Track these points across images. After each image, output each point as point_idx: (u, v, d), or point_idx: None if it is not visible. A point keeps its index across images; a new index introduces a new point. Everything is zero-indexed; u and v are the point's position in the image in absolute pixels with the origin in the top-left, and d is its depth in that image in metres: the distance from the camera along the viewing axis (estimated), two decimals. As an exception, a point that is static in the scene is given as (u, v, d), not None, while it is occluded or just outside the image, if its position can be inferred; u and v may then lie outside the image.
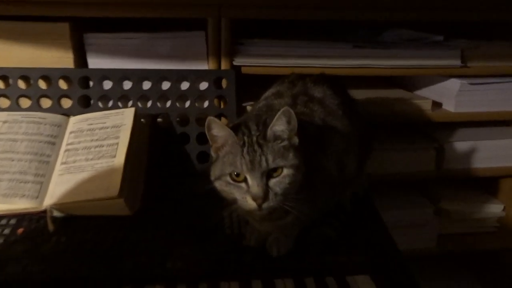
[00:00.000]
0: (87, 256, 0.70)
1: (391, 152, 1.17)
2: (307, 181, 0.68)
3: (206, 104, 0.97)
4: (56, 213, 0.77)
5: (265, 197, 0.64)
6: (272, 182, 0.65)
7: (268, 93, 0.84)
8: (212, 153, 0.70)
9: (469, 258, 1.49)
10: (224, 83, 0.97)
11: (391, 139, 1.19)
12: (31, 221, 0.76)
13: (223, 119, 0.98)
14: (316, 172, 0.71)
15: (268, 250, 0.71)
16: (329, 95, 0.81)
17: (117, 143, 0.81)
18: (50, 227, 0.74)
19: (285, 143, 0.66)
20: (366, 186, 0.93)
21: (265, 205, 0.64)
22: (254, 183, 0.64)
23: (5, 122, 0.85)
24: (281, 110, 0.65)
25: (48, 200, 0.77)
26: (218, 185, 0.68)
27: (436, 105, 1.19)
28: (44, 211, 0.76)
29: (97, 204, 0.75)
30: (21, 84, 0.93)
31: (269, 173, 0.65)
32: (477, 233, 1.33)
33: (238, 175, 0.65)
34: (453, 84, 1.14)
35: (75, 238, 0.73)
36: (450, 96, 1.15)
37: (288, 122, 0.66)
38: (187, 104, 0.96)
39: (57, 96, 0.92)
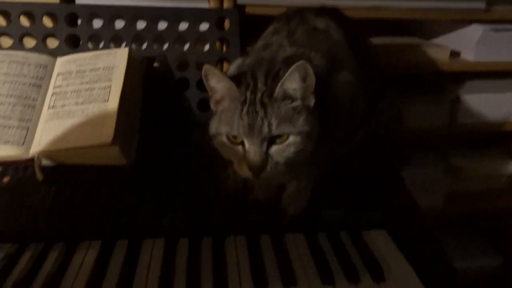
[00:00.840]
0: (79, 208, 0.64)
1: (404, 103, 1.10)
2: (321, 123, 0.60)
3: (207, 47, 0.89)
4: (44, 162, 0.70)
5: (263, 166, 0.55)
6: (274, 149, 0.56)
7: (266, 32, 0.76)
8: (212, 106, 0.61)
9: (479, 216, 1.46)
10: (226, 24, 0.88)
11: (403, 91, 1.11)
12: (18, 169, 0.69)
13: (225, 64, 0.90)
14: (328, 108, 0.63)
15: (283, 207, 0.65)
16: (333, 27, 0.71)
17: (110, 86, 0.73)
18: (39, 176, 0.68)
19: (297, 103, 0.56)
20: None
21: (262, 175, 0.56)
22: (251, 149, 0.55)
23: (-16, 62, 0.76)
24: (295, 65, 0.54)
25: (35, 148, 0.70)
26: (215, 143, 0.60)
27: (454, 54, 1.10)
28: (32, 159, 0.69)
29: (89, 152, 0.68)
30: (1, 21, 0.83)
31: (271, 139, 0.55)
32: (488, 191, 1.28)
33: (235, 137, 0.57)
34: (475, 30, 1.05)
35: (66, 189, 0.67)
36: (470, 44, 1.07)
37: (303, 79, 0.55)
38: (186, 47, 0.88)
39: (41, 35, 0.83)
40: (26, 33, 0.83)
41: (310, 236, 0.62)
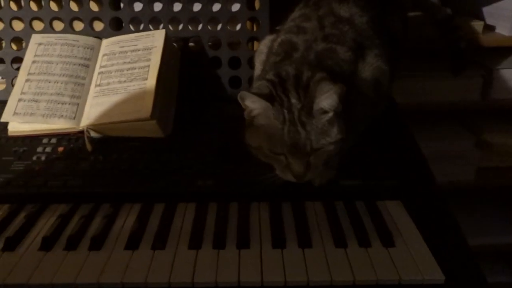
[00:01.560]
0: (123, 174, 0.72)
1: (434, 78, 1.10)
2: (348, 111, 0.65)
3: (238, 27, 0.94)
4: (93, 134, 0.79)
5: (306, 172, 0.63)
6: (313, 157, 0.63)
7: (294, 14, 0.79)
8: (246, 116, 0.67)
9: (509, 193, 1.44)
10: (257, 4, 0.93)
11: (435, 64, 1.12)
12: (70, 141, 0.79)
13: (255, 43, 0.95)
14: (354, 98, 0.68)
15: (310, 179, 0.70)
16: (357, 13, 0.75)
17: (148, 66, 0.81)
18: (88, 146, 0.77)
19: (330, 115, 0.62)
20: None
21: (305, 178, 0.64)
22: (295, 163, 0.62)
23: (40, 44, 0.85)
24: (332, 88, 0.59)
25: (85, 121, 0.79)
26: (255, 152, 0.67)
27: (488, 28, 1.09)
28: (82, 132, 0.78)
29: (130, 126, 0.77)
30: (53, 6, 0.92)
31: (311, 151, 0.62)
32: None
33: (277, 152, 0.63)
34: (509, 3, 1.03)
35: (112, 158, 0.75)
36: (506, 17, 1.05)
37: (339, 100, 0.60)
38: (219, 27, 0.93)
39: (88, 19, 0.91)
40: (75, 17, 0.92)
41: (328, 204, 0.68)
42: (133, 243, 0.60)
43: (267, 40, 0.83)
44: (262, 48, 0.83)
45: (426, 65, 1.10)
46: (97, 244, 0.60)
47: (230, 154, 0.76)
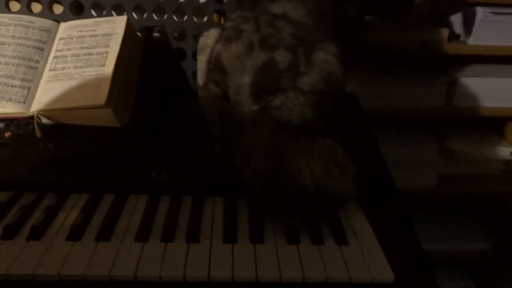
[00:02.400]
0: (73, 163, 0.69)
1: (399, 84, 1.11)
2: None
3: (205, 19, 0.92)
4: (44, 120, 0.75)
5: None
6: None
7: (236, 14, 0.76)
8: None
9: (472, 200, 1.47)
10: (224, -4, 0.91)
11: (400, 71, 1.13)
12: (19, 126, 0.75)
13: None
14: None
15: None
16: (291, 7, 0.72)
17: (107, 52, 0.78)
18: (38, 133, 0.73)
19: None
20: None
21: None
22: None
23: (-8, 24, 0.81)
24: None
25: (36, 106, 0.75)
26: None
27: (454, 37, 1.11)
28: (32, 117, 0.74)
29: (84, 113, 0.73)
30: (11, -14, 0.88)
31: None
32: (482, 175, 1.30)
33: None
34: (474, 13, 1.05)
35: (63, 146, 0.72)
36: (470, 26, 1.07)
37: None
38: (185, 18, 0.91)
39: (47, 1, 0.87)
40: (33, -2, 0.88)
41: (284, 201, 0.66)
42: (75, 234, 0.57)
43: (212, 35, 0.77)
44: (207, 42, 0.77)
45: (391, 71, 1.11)
46: (36, 234, 0.56)
47: (187, 147, 0.73)
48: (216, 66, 0.68)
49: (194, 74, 0.90)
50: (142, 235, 0.57)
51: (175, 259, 0.54)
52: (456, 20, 1.11)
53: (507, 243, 1.35)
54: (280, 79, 0.64)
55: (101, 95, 0.72)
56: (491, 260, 1.39)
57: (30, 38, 0.81)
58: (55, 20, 0.86)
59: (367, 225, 0.63)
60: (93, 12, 0.90)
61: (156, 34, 0.92)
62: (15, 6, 0.88)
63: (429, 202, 1.41)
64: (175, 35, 0.92)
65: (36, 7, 0.89)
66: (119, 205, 0.63)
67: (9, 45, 0.79)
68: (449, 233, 1.38)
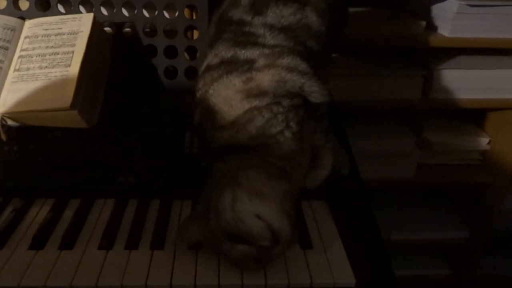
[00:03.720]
0: (39, 167, 0.68)
1: (376, 77, 1.11)
2: None
3: (176, 14, 0.90)
4: (10, 122, 0.74)
5: None
6: None
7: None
8: None
9: (450, 190, 1.49)
10: (196, -9, 0.89)
11: (377, 64, 1.12)
12: (-16, 129, 0.73)
13: (195, 32, 0.92)
14: None
15: None
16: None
17: (73, 52, 0.76)
18: (3, 136, 0.71)
19: None
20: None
21: None
22: None
23: (-47, 22, 0.78)
24: None
25: (0, 108, 0.73)
26: None
27: (431, 28, 1.10)
28: (-3, 120, 0.73)
29: (50, 115, 0.72)
30: (-27, -19, 0.85)
31: None
32: (460, 165, 1.31)
33: None
34: (451, 5, 1.05)
35: (29, 149, 0.70)
36: (447, 18, 1.06)
37: None
38: (156, 13, 0.89)
39: (12, -3, 0.85)
40: (-3, -6, 0.85)
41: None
42: (38, 243, 0.56)
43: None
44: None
45: (368, 63, 1.10)
46: (-2, 243, 0.56)
47: (156, 148, 0.73)
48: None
49: (165, 71, 0.89)
50: (106, 243, 0.57)
51: (138, 267, 0.54)
52: (433, 12, 1.10)
53: (483, 231, 1.38)
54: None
55: (67, 97, 0.71)
56: (468, 248, 1.42)
57: (-6, 37, 0.78)
58: (20, 17, 0.84)
59: (333, 227, 0.63)
60: (61, 8, 0.87)
61: (127, 29, 0.90)
62: (-23, 3, 0.85)
63: (408, 192, 1.43)
64: (147, 30, 0.90)
65: (1, 3, 0.86)
66: (84, 211, 0.63)
67: (-29, 45, 0.77)
68: (427, 222, 1.41)
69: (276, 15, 0.69)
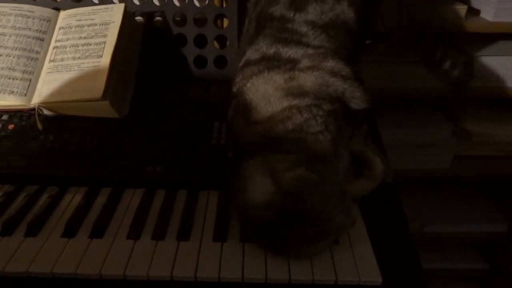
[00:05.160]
0: (72, 155, 0.70)
1: (413, 65, 1.06)
2: None
3: (206, 2, 0.89)
4: (46, 112, 0.77)
5: None
6: None
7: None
8: None
9: (488, 182, 1.43)
10: (226, -21, 0.88)
11: (414, 51, 1.07)
12: (22, 118, 0.76)
13: (225, 20, 0.91)
14: None
15: None
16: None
17: (104, 42, 0.77)
18: (39, 125, 0.74)
19: None
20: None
21: None
22: None
23: (-7, 14, 0.81)
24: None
25: (36, 98, 0.76)
26: None
27: (473, 12, 1.04)
28: (33, 109, 0.75)
29: (83, 105, 0.74)
30: (11, -27, 0.87)
31: None
32: (500, 157, 1.25)
33: None
34: (496, -12, 0.98)
35: (63, 138, 0.73)
36: (490, 1, 1.00)
37: None
38: (186, 2, 0.88)
39: (48, -12, 0.87)
40: (33, -15, 0.87)
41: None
42: (70, 231, 0.58)
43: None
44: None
45: (404, 51, 1.06)
46: (33, 230, 0.58)
47: (184, 139, 0.73)
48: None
49: (195, 60, 0.89)
50: (134, 233, 0.58)
51: (164, 258, 0.55)
52: (476, -5, 1.05)
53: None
54: None
55: (98, 88, 0.72)
56: (507, 241, 1.36)
57: (30, 29, 0.81)
58: (55, 8, 0.86)
59: (361, 223, 0.61)
60: (94, -1, 0.89)
61: (157, 19, 0.90)
62: (15, -7, 0.88)
63: (444, 183, 1.38)
64: (177, 19, 0.90)
65: (37, -6, 0.88)
66: (114, 200, 0.64)
67: (10, 36, 0.79)
68: (464, 215, 1.36)
69: (316, 11, 0.68)
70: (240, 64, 0.69)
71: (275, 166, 0.53)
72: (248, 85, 0.63)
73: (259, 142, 0.59)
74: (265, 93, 0.61)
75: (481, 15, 1.03)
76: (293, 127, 0.58)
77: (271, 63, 0.63)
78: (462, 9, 1.01)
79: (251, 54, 0.67)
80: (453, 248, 1.44)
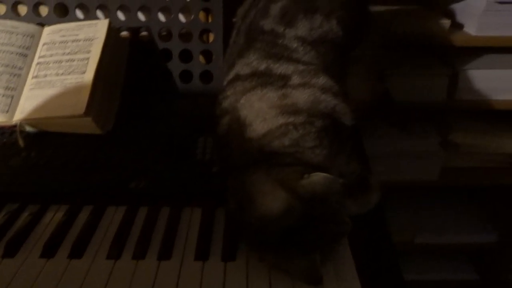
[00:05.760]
0: (54, 172, 0.69)
1: (399, 76, 1.07)
2: None
3: (191, 17, 0.89)
4: (28, 128, 0.76)
5: None
6: None
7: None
8: None
9: (478, 193, 1.44)
10: (211, -6, 0.88)
11: (400, 63, 1.08)
12: (3, 134, 0.76)
13: (210, 35, 0.91)
14: None
15: None
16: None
17: (88, 58, 0.77)
18: (20, 142, 0.73)
19: None
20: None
21: None
22: None
23: (-24, 30, 0.81)
24: None
25: (19, 115, 0.75)
26: None
27: (457, 26, 1.05)
28: (15, 126, 0.75)
29: (65, 122, 0.73)
30: (-5, -12, 0.87)
31: None
32: (488, 168, 1.26)
33: None
34: (478, 2, 0.99)
35: (45, 154, 0.72)
36: (474, 16, 1.01)
37: None
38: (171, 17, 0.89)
39: (32, 3, 0.86)
40: (18, 1, 0.87)
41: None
42: (49, 251, 0.57)
43: None
44: None
45: (391, 62, 1.07)
46: (11, 251, 0.57)
47: (169, 154, 0.73)
48: None
49: (181, 75, 0.89)
50: (114, 252, 0.57)
51: (144, 278, 0.54)
52: (460, 8, 1.05)
53: (513, 235, 1.33)
54: None
55: (81, 104, 0.72)
56: (496, 251, 1.37)
57: (13, 44, 0.80)
58: (39, 23, 0.86)
59: (348, 254, 0.60)
60: (79, 13, 0.89)
61: (143, 33, 0.90)
62: (0, 9, 0.87)
63: (434, 194, 1.39)
64: (163, 33, 0.90)
65: (23, 9, 0.88)
66: (96, 218, 0.63)
67: (-8, 52, 0.79)
68: (454, 226, 1.36)
69: (306, 27, 0.69)
70: (229, 78, 0.69)
71: (284, 177, 0.54)
72: (242, 101, 0.63)
73: (254, 158, 0.59)
74: (260, 110, 0.61)
75: (465, 29, 1.04)
76: (290, 143, 0.59)
77: (263, 79, 0.64)
78: (445, 23, 1.02)
79: (241, 68, 0.68)
80: (444, 259, 1.44)
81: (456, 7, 1.07)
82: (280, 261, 0.54)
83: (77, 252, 0.57)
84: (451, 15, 1.06)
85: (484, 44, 1.02)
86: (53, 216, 0.64)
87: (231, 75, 0.69)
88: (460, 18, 1.05)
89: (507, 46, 1.03)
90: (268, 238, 0.53)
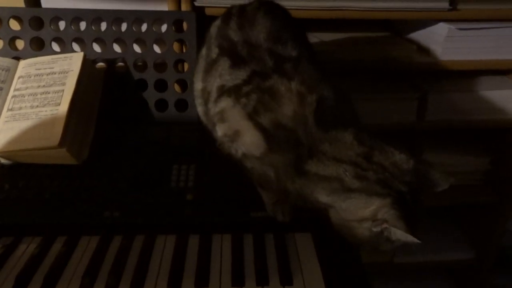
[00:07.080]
0: (28, 203, 0.70)
1: (370, 101, 1.11)
2: None
3: (166, 48, 0.92)
4: (3, 161, 0.77)
5: None
6: None
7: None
8: None
9: (454, 211, 1.47)
10: (185, 25, 0.91)
11: (370, 87, 1.12)
12: (-21, 167, 0.76)
13: (185, 64, 0.94)
14: None
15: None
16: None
17: (63, 90, 0.78)
18: (-5, 174, 0.74)
19: None
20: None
21: None
22: None
23: (-49, 65, 0.82)
24: None
25: (-7, 147, 0.76)
26: None
27: (423, 51, 1.10)
28: (-10, 159, 0.75)
29: (41, 153, 0.74)
30: (-29, 24, 0.89)
31: None
32: (462, 186, 1.29)
33: None
34: (441, 29, 1.05)
35: (19, 186, 0.73)
36: (438, 42, 1.06)
37: None
38: (146, 48, 0.91)
39: (8, 38, 0.88)
40: (-6, 35, 0.89)
41: (235, 238, 0.67)
42: (20, 285, 0.57)
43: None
44: None
45: (360, 87, 1.11)
46: (-18, 285, 0.57)
47: (143, 182, 0.74)
48: None
49: (156, 103, 0.91)
50: (87, 284, 0.58)
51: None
52: (425, 34, 1.10)
53: (490, 251, 1.35)
54: None
55: (55, 135, 0.73)
56: (475, 268, 1.39)
57: (-12, 78, 0.82)
58: (16, 57, 0.87)
59: (315, 261, 0.63)
60: (55, 46, 0.91)
61: (120, 64, 0.92)
62: (-23, 43, 0.89)
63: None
64: (139, 63, 0.92)
65: (-1, 43, 0.90)
66: (69, 249, 0.64)
67: (-32, 86, 0.80)
68: (431, 244, 1.38)
69: None
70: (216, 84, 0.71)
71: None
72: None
73: None
74: None
75: (431, 53, 1.09)
76: None
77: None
78: (411, 48, 1.06)
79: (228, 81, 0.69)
80: (423, 277, 1.46)
81: (420, 33, 1.12)
82: None
83: (49, 284, 0.57)
84: (417, 40, 1.11)
85: (449, 68, 1.06)
86: (26, 248, 0.64)
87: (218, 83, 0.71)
88: (426, 43, 1.10)
89: (471, 69, 1.08)
90: None
